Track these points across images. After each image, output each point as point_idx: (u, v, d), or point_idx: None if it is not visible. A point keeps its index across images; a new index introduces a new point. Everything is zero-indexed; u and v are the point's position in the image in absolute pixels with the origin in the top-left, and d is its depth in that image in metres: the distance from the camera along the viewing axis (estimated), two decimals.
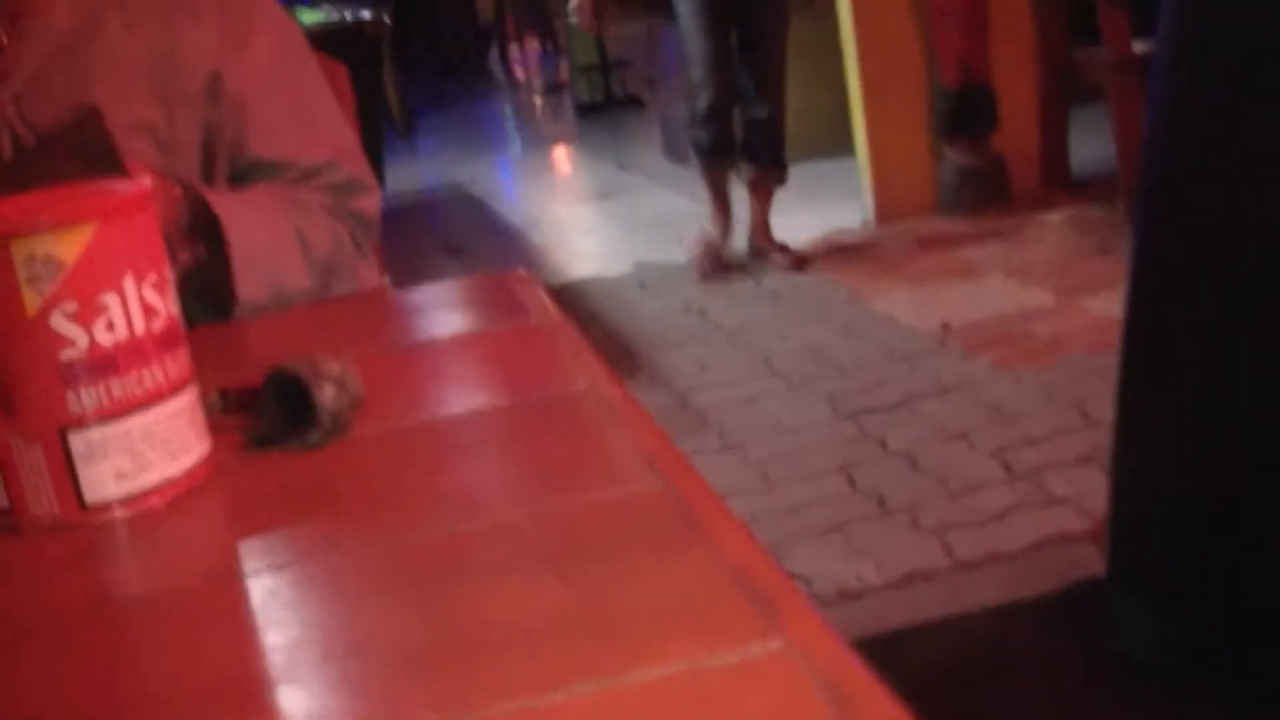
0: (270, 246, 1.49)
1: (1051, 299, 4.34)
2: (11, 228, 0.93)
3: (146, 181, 1.00)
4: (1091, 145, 5.54)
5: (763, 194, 5.35)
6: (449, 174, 8.56)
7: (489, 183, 8.36)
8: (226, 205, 1.47)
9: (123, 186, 1.00)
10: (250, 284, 1.45)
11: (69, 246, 0.93)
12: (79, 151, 1.37)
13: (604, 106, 9.81)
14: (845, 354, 4.16)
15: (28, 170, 1.39)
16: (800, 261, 5.13)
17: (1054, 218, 5.17)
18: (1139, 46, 4.69)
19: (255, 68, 1.58)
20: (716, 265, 5.26)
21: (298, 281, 1.51)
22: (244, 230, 1.46)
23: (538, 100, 11.77)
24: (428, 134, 10.15)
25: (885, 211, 5.51)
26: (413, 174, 8.41)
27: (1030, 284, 4.50)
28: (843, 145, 5.88)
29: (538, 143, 9.94)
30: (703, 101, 5.08)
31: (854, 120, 5.64)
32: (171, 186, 1.43)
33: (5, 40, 1.46)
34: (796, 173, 5.42)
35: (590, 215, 7.20)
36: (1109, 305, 3.75)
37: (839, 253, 5.28)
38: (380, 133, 7.12)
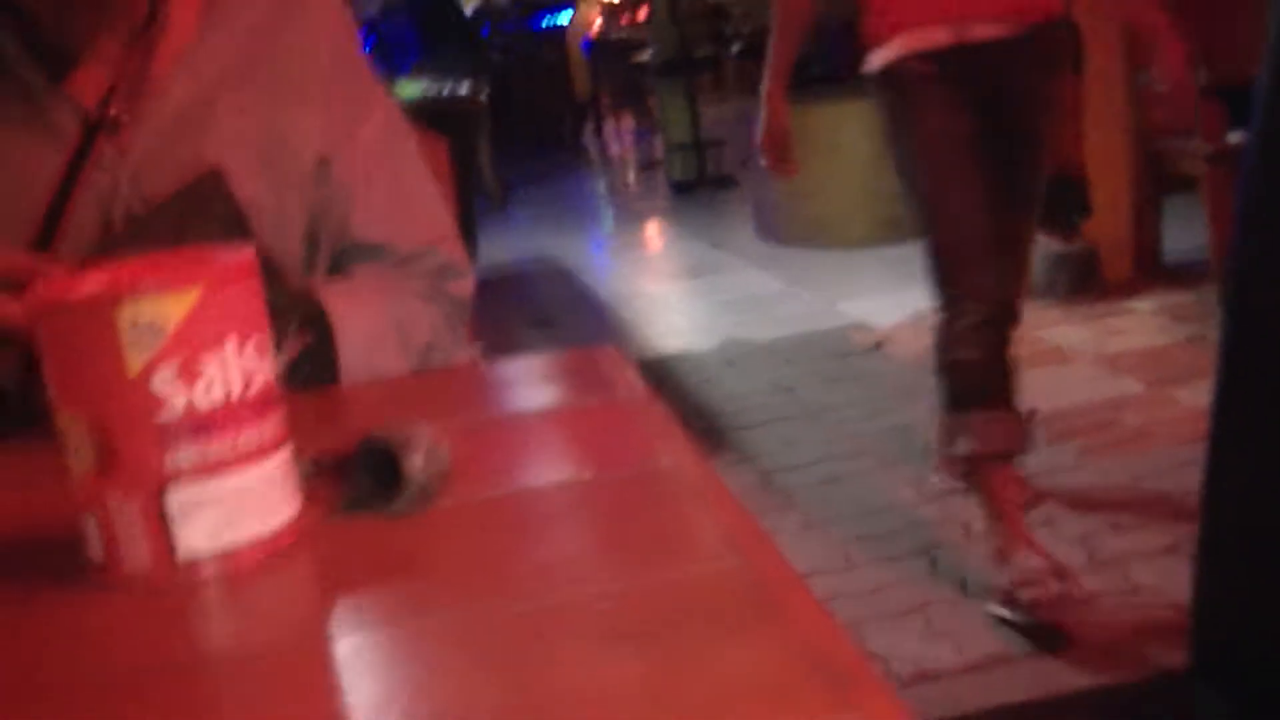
0: (373, 339, 1.52)
1: (1141, 388, 4.31)
2: (117, 292, 0.96)
3: (248, 249, 1.03)
4: (1184, 234, 5.51)
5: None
6: (541, 247, 8.64)
7: (580, 257, 8.43)
8: (336, 301, 1.50)
9: (228, 252, 1.03)
10: (351, 376, 1.49)
11: (173, 310, 0.96)
12: (199, 211, 1.40)
13: (697, 185, 9.87)
14: (930, 436, 4.15)
15: (148, 231, 1.43)
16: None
17: (1145, 306, 5.14)
18: (1233, 138, 4.67)
19: (362, 153, 1.61)
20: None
21: (397, 371, 1.55)
22: (351, 327, 1.49)
23: (631, 177, 11.86)
24: (521, 207, 10.26)
25: None
26: (506, 246, 8.50)
27: (1120, 372, 4.47)
28: None
29: (630, 219, 10.02)
30: (967, 314, 3.27)
31: None
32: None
33: (126, 119, 1.51)
34: (885, 253, 5.42)
35: (680, 292, 7.24)
36: (1199, 396, 3.72)
37: (926, 335, 5.26)
38: (475, 205, 7.21)
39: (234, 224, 1.44)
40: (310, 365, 1.44)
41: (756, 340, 5.51)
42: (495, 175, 10.06)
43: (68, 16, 1.51)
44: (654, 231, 9.38)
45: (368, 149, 1.63)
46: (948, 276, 3.28)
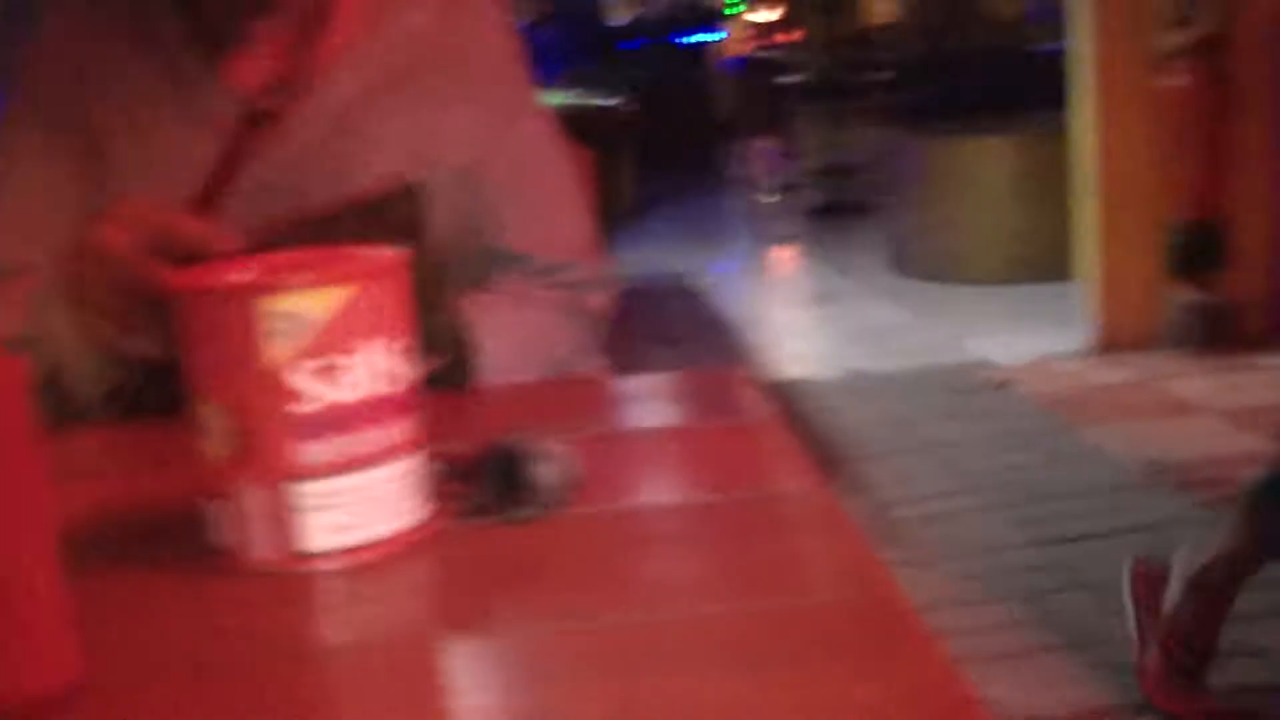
0: (513, 354, 1.53)
1: (1266, 444, 4.23)
2: (264, 283, 0.98)
3: (395, 253, 1.05)
4: None
5: None
6: (674, 265, 8.65)
7: (712, 277, 8.44)
8: (480, 314, 1.51)
9: (378, 253, 1.05)
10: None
11: (318, 306, 0.98)
12: (389, 225, 1.41)
13: (833, 211, 9.84)
14: (1048, 480, 4.11)
15: (332, 232, 1.45)
16: None
17: (1276, 362, 5.04)
18: None
19: (513, 157, 1.63)
20: None
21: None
22: (493, 343, 1.50)
23: (767, 199, 11.85)
24: (657, 223, 10.28)
25: (1106, 341, 5.43)
26: (639, 261, 8.52)
27: (1245, 427, 4.39)
28: (1059, 269, 5.83)
29: (763, 242, 10.01)
30: None
31: (1081, 246, 5.58)
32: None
33: (285, 112, 1.52)
34: (1016, 294, 5.37)
35: (808, 319, 7.23)
36: None
37: (1053, 378, 5.21)
38: (612, 218, 7.25)
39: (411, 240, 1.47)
40: (451, 376, 1.46)
41: (880, 371, 5.49)
42: (635, 189, 10.09)
43: (233, 3, 1.53)
44: (786, 256, 9.36)
45: (520, 154, 1.64)
46: None
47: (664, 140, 12.00)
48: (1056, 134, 5.92)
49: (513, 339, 1.55)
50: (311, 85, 1.54)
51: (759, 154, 13.97)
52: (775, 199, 11.72)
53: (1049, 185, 6.22)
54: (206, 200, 1.49)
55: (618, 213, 8.93)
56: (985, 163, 7.20)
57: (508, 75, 1.67)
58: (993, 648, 3.10)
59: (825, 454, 4.45)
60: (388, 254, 1.05)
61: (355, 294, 0.99)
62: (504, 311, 1.57)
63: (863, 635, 0.84)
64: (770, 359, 6.11)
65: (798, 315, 7.39)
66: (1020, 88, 8.69)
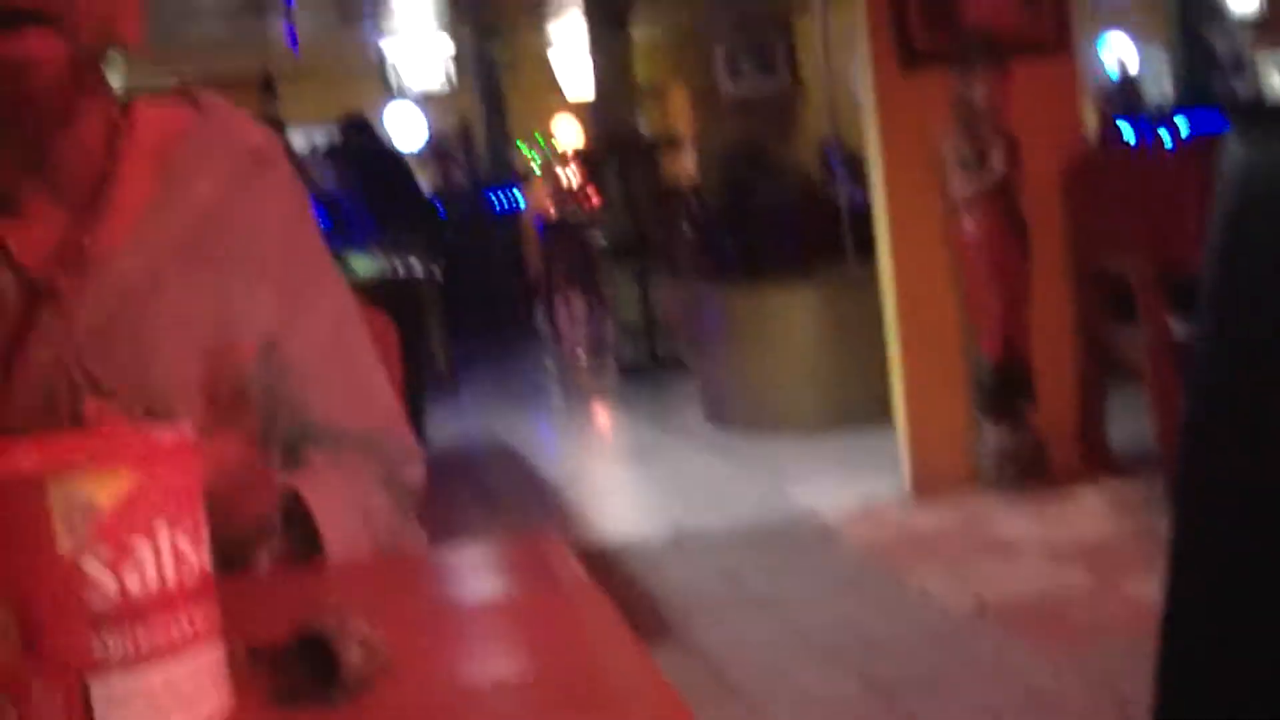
0: (347, 533, 1.49)
1: (1089, 579, 4.30)
2: (50, 468, 0.93)
3: (186, 429, 1.00)
4: (1131, 424, 5.55)
5: None
6: (489, 426, 8.61)
7: (529, 437, 8.41)
8: (315, 497, 1.47)
9: (163, 433, 1.00)
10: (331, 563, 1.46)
11: (107, 491, 0.93)
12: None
13: (647, 367, 9.90)
14: (878, 628, 4.12)
15: None
16: None
17: (1092, 496, 5.15)
18: (1177, 328, 4.72)
19: (313, 335, 1.58)
20: None
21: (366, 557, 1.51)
22: (328, 520, 1.46)
23: (580, 357, 11.90)
24: (470, 385, 10.24)
25: (923, 483, 5.50)
26: (453, 424, 8.47)
27: (1067, 563, 4.46)
28: (875, 415, 5.92)
29: (579, 399, 10.02)
30: None
31: (893, 390, 5.67)
32: (271, 472, 1.44)
33: (69, 289, 1.45)
34: (833, 441, 5.43)
35: (629, 475, 7.22)
36: (1149, 587, 3.71)
37: (875, 524, 5.25)
38: (424, 384, 7.20)
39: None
40: (288, 551, 1.41)
41: (704, 526, 5.48)
42: (445, 352, 10.06)
43: (10, 167, 1.46)
44: (603, 413, 9.38)
45: (320, 331, 1.59)
46: None
47: (474, 301, 12.02)
48: (862, 281, 6.05)
49: (345, 517, 1.49)
50: (95, 259, 1.47)
51: (569, 312, 14.07)
52: (587, 357, 11.78)
53: (858, 332, 6.33)
54: None
55: (431, 376, 8.88)
56: (793, 312, 7.31)
57: (303, 248, 1.63)
58: None
59: (652, 617, 4.41)
60: (174, 435, 1.00)
61: (144, 477, 0.94)
62: (330, 489, 1.51)
63: None
64: (593, 517, 6.07)
65: (617, 472, 7.38)
66: (823, 237, 8.89)
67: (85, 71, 1.44)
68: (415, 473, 1.68)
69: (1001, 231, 5.40)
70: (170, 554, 0.96)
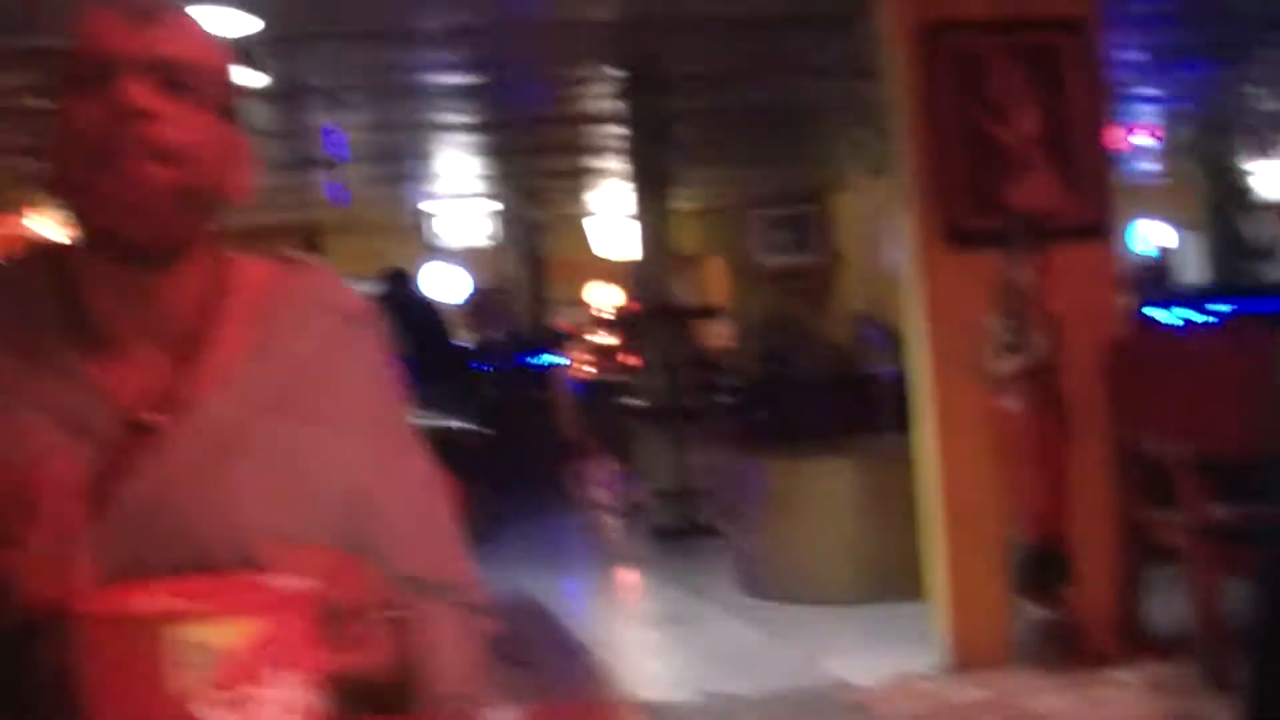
0: (452, 669, 1.52)
1: None
2: (164, 611, 0.96)
3: (308, 583, 1.04)
4: (1169, 605, 5.53)
5: None
6: (521, 585, 8.58)
7: (560, 598, 8.38)
8: (423, 632, 1.51)
9: (287, 583, 1.04)
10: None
11: (224, 636, 0.96)
12: None
13: (680, 532, 9.88)
14: None
15: None
16: None
17: (1128, 677, 5.12)
18: (1216, 511, 4.73)
19: (399, 489, 1.63)
20: None
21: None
22: (437, 656, 1.50)
23: (613, 521, 11.88)
24: (502, 544, 10.22)
25: (960, 659, 5.47)
26: (488, 582, 8.42)
27: None
28: (910, 588, 5.89)
29: (610, 561, 9.99)
30: None
31: (929, 565, 5.66)
32: (378, 580, 1.48)
33: (164, 427, 1.49)
34: (867, 613, 5.41)
35: (660, 640, 7.19)
36: None
37: (911, 698, 5.22)
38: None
39: None
40: (399, 696, 1.44)
41: (736, 694, 5.45)
42: (482, 510, 10.05)
43: (117, 307, 1.53)
44: (634, 576, 9.35)
45: (404, 486, 1.64)
46: None
47: (507, 456, 12.05)
48: (897, 455, 6.07)
49: (450, 649, 1.54)
50: (190, 403, 1.52)
51: (604, 475, 14.07)
52: (621, 520, 11.76)
53: (893, 506, 6.34)
54: (89, 513, 1.45)
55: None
56: (828, 483, 7.32)
57: (390, 407, 1.69)
58: None
59: None
60: (300, 584, 1.03)
61: (267, 625, 0.97)
62: (444, 628, 1.56)
63: None
64: (624, 681, 6.04)
65: (650, 636, 7.34)
66: (857, 410, 8.93)
67: (193, 216, 1.52)
68: (489, 625, 1.71)
69: (1042, 412, 5.43)
70: (290, 702, 0.99)
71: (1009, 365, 5.42)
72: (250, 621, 0.97)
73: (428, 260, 15.60)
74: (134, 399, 1.51)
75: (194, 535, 1.46)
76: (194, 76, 1.50)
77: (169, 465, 1.49)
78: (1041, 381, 5.42)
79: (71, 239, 1.54)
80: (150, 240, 1.50)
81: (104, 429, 1.48)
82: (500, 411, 11.91)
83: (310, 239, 12.28)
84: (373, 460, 1.60)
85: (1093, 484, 5.53)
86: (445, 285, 16.08)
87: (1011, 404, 5.42)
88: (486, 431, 8.67)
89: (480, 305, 16.46)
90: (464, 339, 13.25)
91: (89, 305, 1.53)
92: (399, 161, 12.95)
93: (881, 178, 9.12)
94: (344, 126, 9.41)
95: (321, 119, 9.87)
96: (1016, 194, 5.56)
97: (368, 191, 12.87)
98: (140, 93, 1.45)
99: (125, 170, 1.44)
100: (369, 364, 1.68)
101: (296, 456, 1.55)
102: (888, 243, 9.47)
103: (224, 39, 1.60)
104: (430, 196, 14.94)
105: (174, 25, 1.52)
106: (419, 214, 15.08)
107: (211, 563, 1.43)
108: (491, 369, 13.38)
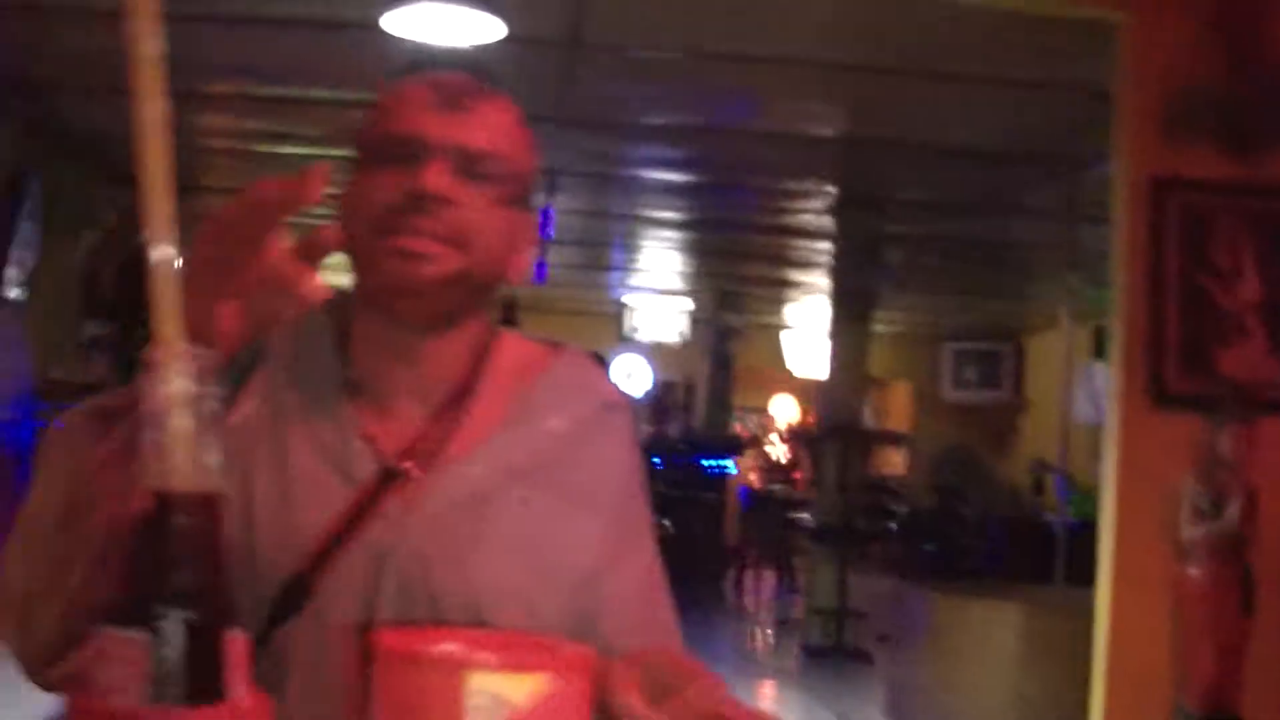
0: None
1: None
2: (470, 658, 0.99)
3: (587, 647, 1.06)
4: None
5: None
6: None
7: None
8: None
9: (572, 646, 1.06)
10: None
11: (521, 691, 0.99)
12: None
13: (832, 653, 9.79)
14: None
15: None
16: None
17: None
18: None
19: (630, 578, 1.67)
20: None
21: None
22: None
23: (765, 631, 11.81)
24: None
25: None
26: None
27: None
28: None
29: (759, 673, 9.92)
30: None
31: None
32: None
33: (418, 476, 1.55)
34: None
35: None
36: None
37: None
38: None
39: None
40: None
41: None
42: None
43: (389, 366, 1.59)
44: (781, 692, 9.27)
45: (635, 576, 1.68)
46: None
47: (672, 558, 12.07)
48: (1068, 607, 5.96)
49: None
50: (446, 458, 1.57)
51: (760, 585, 14.01)
52: (772, 633, 11.69)
53: (1058, 658, 6.22)
54: (325, 551, 1.49)
55: None
56: (993, 626, 7.20)
57: (635, 495, 1.73)
58: None
59: None
60: (578, 647, 1.06)
61: (557, 684, 1.00)
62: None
63: None
64: None
65: None
66: (1026, 556, 8.79)
67: (471, 292, 1.58)
68: None
69: (1225, 582, 5.30)
70: None
71: (1199, 531, 5.30)
72: (540, 678, 0.99)
73: (621, 351, 15.72)
74: (393, 450, 1.57)
75: (429, 584, 1.50)
76: (494, 166, 1.56)
77: (416, 514, 1.54)
78: (1230, 552, 5.29)
79: (355, 294, 1.61)
80: (424, 316, 1.57)
81: (363, 474, 1.54)
82: (666, 509, 11.94)
83: (509, 311, 12.45)
84: (610, 545, 1.64)
85: (1271, 663, 5.37)
86: (632, 376, 16.19)
87: (1195, 570, 5.30)
88: (664, 523, 8.69)
89: (662, 400, 16.54)
90: (641, 430, 13.30)
91: (362, 361, 1.60)
92: (601, 249, 13.12)
93: (1080, 324, 9.02)
94: (555, 208, 9.55)
95: (539, 199, 10.04)
96: (1228, 360, 5.47)
97: (566, 275, 13.04)
98: (440, 177, 1.51)
99: (412, 249, 1.50)
100: (618, 451, 1.72)
101: (538, 526, 1.59)
102: (1079, 391, 9.33)
103: (529, 129, 1.64)
104: (628, 289, 15.08)
105: (483, 113, 1.58)
106: (619, 304, 15.23)
107: (441, 612, 1.48)
108: (662, 464, 13.42)
